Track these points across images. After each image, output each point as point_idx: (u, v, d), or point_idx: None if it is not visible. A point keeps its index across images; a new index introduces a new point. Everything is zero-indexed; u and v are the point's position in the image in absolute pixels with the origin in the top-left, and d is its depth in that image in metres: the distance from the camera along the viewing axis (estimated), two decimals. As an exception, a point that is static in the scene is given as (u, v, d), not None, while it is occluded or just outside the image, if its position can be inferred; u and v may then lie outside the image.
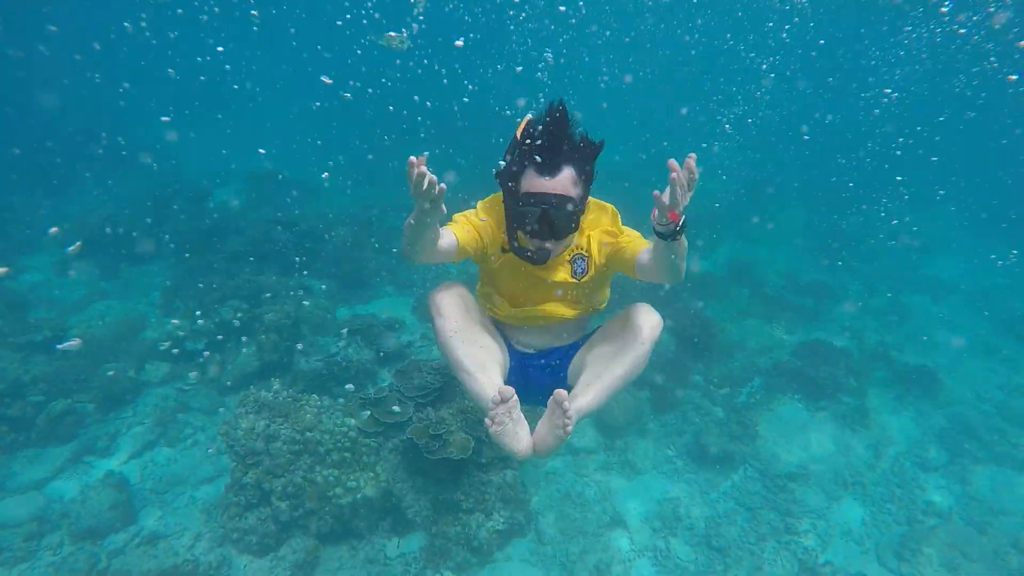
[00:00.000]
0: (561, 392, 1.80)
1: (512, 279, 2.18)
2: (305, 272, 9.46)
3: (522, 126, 1.88)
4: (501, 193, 2.05)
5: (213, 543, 5.09)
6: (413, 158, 1.53)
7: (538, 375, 2.40)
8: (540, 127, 1.82)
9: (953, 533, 5.75)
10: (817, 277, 11.38)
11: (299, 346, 6.94)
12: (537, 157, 1.82)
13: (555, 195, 1.81)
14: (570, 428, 1.78)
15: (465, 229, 2.06)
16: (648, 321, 2.12)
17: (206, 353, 6.95)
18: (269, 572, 4.80)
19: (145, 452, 6.22)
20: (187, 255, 9.65)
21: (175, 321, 7.55)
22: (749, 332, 8.81)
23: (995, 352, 9.15)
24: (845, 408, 7.29)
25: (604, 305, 2.51)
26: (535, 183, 1.83)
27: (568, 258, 2.11)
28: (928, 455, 6.79)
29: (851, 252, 12.54)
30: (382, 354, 7.19)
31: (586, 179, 1.90)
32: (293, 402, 5.17)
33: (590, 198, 2.07)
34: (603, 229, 2.15)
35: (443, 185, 1.61)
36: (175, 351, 7.10)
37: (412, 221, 1.74)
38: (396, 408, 5.13)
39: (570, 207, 1.84)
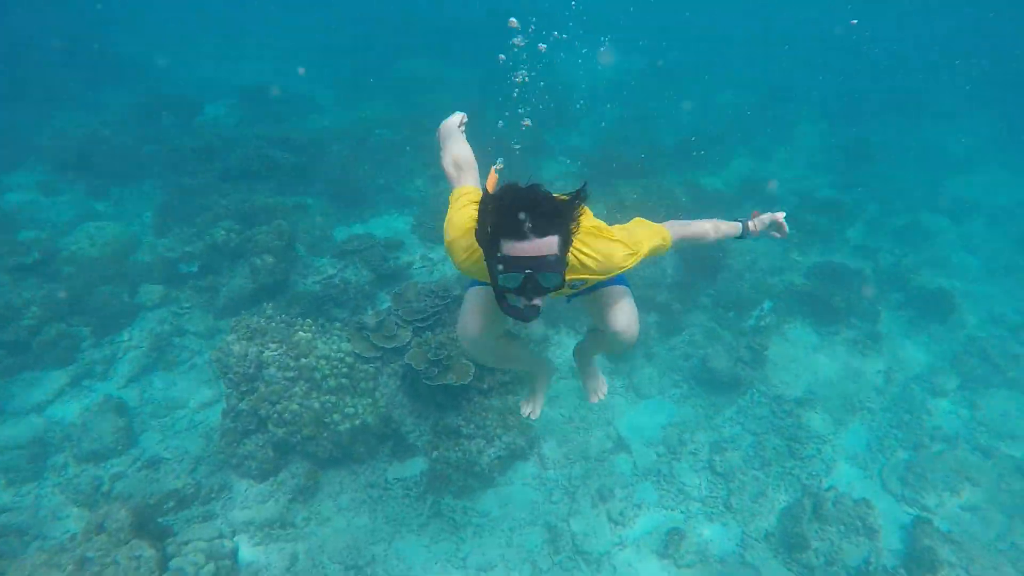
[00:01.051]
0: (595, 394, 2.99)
1: None
2: (300, 191, 9.11)
3: (492, 178, 1.95)
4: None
5: (213, 467, 5.08)
6: None
7: None
8: (509, 202, 1.69)
9: (958, 458, 5.69)
10: (833, 195, 10.93)
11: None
12: (511, 230, 1.70)
13: (537, 257, 1.69)
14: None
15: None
16: (627, 333, 2.28)
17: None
18: (270, 496, 4.79)
19: (143, 376, 6.15)
20: (178, 174, 9.29)
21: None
22: (760, 253, 8.51)
23: (1015, 273, 8.84)
24: (857, 332, 7.11)
25: None
26: (514, 248, 1.69)
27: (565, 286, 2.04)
28: (939, 380, 6.66)
29: (870, 169, 11.99)
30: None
31: (567, 234, 1.78)
32: (287, 327, 4.99)
33: (593, 238, 2.04)
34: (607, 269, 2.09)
35: None
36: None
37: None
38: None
39: (554, 263, 1.72)
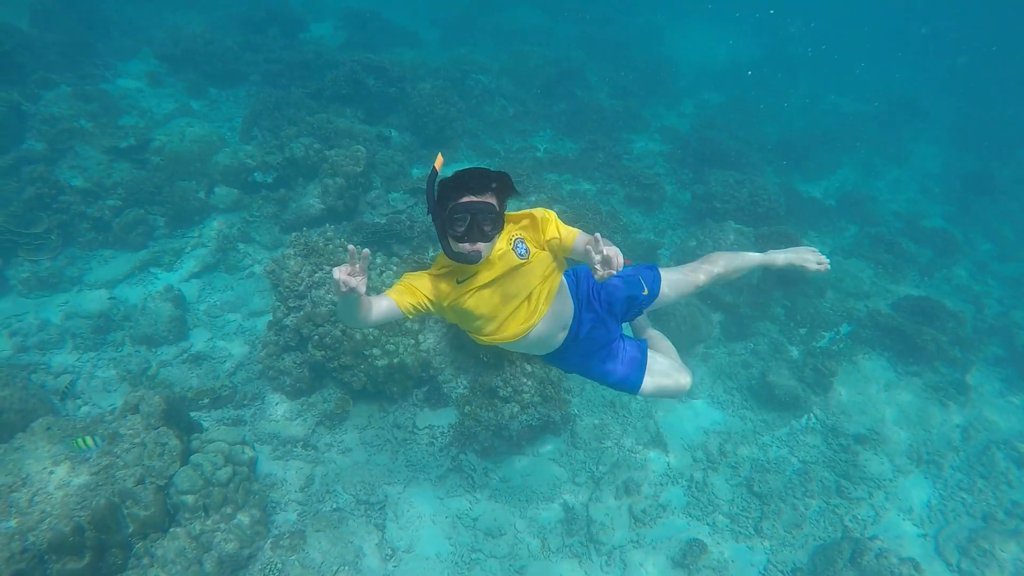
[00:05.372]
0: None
1: (481, 299, 2.36)
2: (387, 121, 9.04)
3: (438, 160, 2.21)
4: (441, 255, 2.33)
5: (251, 375, 5.15)
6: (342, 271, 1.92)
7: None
8: (462, 171, 2.19)
9: (1033, 539, 5.11)
10: (943, 225, 9.97)
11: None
12: (461, 184, 2.15)
13: (481, 202, 2.12)
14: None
15: (405, 290, 2.32)
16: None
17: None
18: (298, 415, 4.82)
19: (204, 274, 6.30)
20: (273, 85, 9.41)
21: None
22: (848, 273, 7.85)
23: None
24: (941, 378, 6.46)
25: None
26: (462, 197, 2.13)
27: (509, 246, 2.32)
28: (1027, 449, 5.98)
29: (992, 205, 10.85)
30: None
31: (503, 196, 2.21)
32: (344, 252, 4.92)
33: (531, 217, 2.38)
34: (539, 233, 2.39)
35: (359, 280, 1.94)
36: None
37: (338, 300, 2.09)
38: None
39: (493, 213, 2.14)
